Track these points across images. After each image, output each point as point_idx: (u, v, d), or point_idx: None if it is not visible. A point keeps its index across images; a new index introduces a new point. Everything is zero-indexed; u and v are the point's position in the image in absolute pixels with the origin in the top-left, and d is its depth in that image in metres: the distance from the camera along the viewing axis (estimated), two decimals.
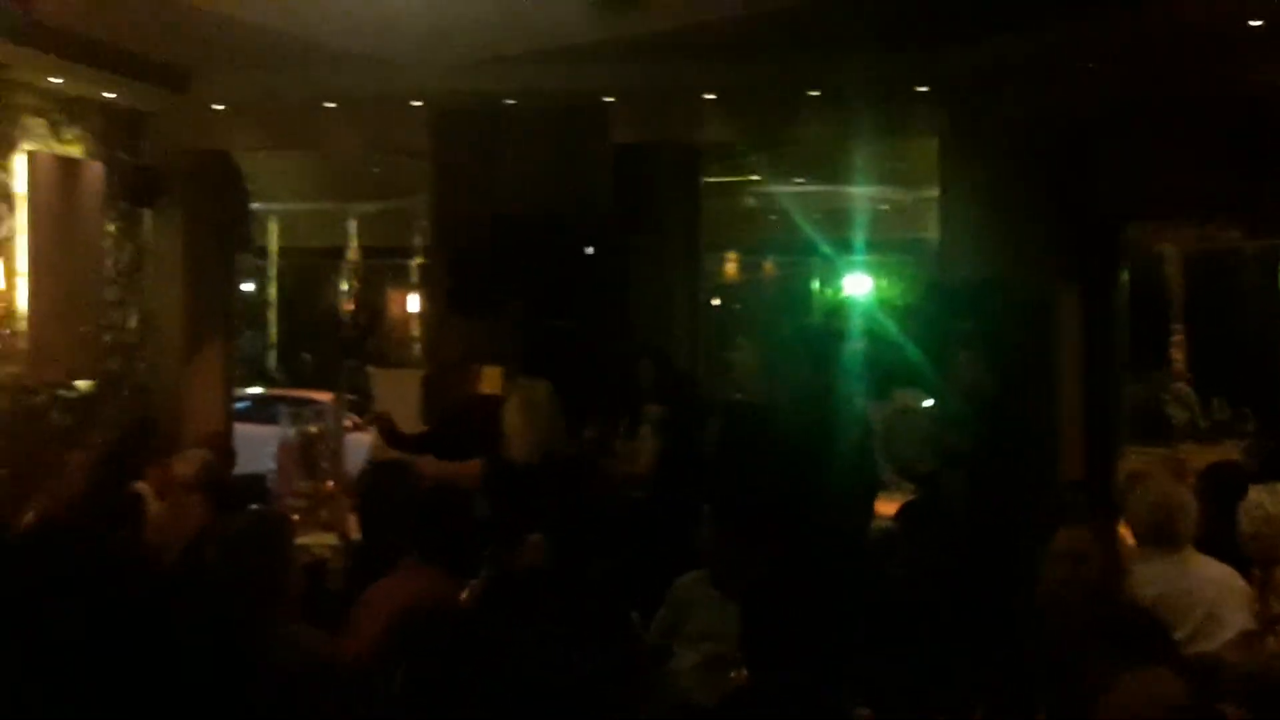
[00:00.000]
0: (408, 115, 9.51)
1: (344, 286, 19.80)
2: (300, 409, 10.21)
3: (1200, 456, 7.90)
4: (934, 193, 10.14)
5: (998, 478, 6.31)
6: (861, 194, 13.46)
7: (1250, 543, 5.02)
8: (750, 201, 14.70)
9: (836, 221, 14.18)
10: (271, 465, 8.43)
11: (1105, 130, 8.48)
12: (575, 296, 9.20)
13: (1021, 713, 3.97)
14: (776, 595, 3.78)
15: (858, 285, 16.42)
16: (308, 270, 20.90)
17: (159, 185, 9.87)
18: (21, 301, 8.61)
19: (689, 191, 10.66)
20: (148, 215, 9.95)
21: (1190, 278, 12.54)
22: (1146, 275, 11.43)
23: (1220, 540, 5.13)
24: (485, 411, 6.67)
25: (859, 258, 15.51)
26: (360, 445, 9.02)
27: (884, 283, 17.22)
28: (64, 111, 9.10)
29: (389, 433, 7.00)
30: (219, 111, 9.62)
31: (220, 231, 10.42)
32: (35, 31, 7.72)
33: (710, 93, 9.26)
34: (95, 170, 9.32)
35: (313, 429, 8.36)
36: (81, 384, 9.21)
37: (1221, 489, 5.64)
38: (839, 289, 17.40)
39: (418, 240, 15.59)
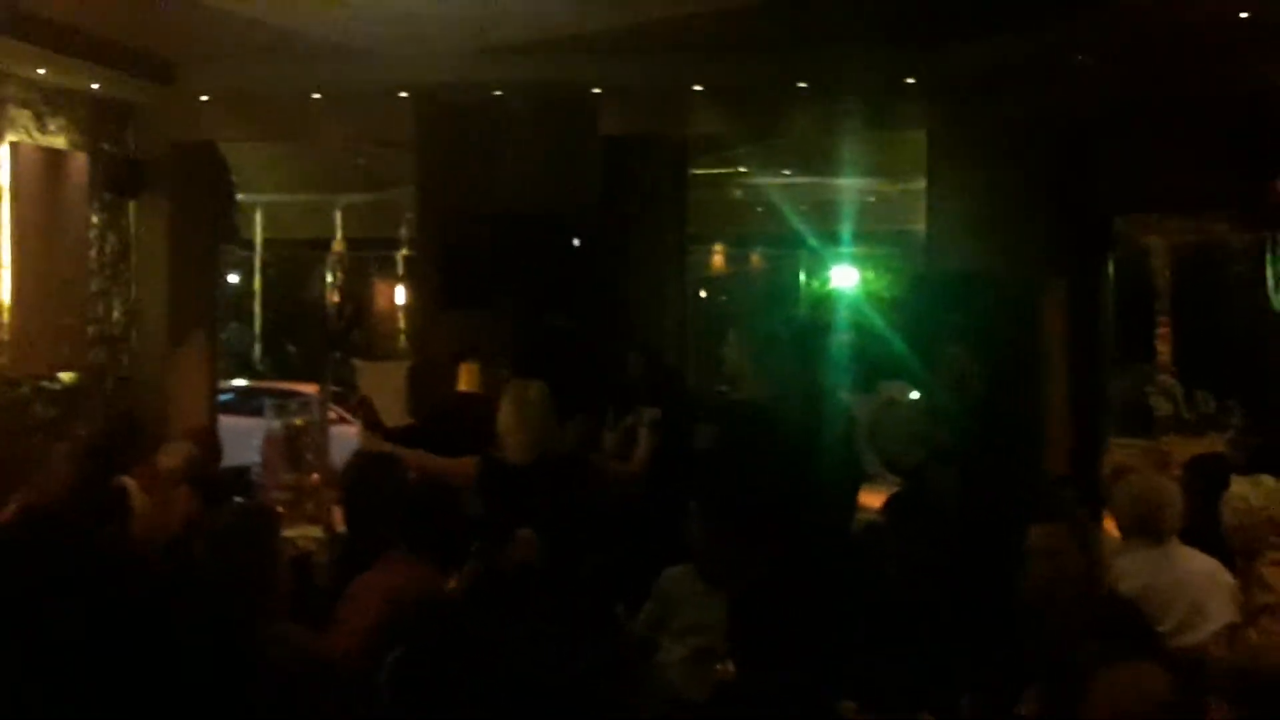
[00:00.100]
0: (394, 107, 9.49)
1: (329, 278, 19.75)
2: (285, 401, 10.15)
3: (1185, 449, 7.94)
4: (921, 185, 10.15)
5: (984, 471, 6.31)
6: (849, 186, 13.49)
7: (1233, 535, 5.03)
8: (738, 194, 14.71)
9: (824, 214, 14.21)
10: (256, 458, 8.40)
11: (1093, 125, 8.50)
12: (562, 289, 9.19)
13: (1007, 706, 3.97)
14: (762, 590, 3.78)
15: (845, 278, 16.45)
16: (293, 262, 20.85)
17: (143, 176, 9.84)
18: (4, 293, 8.57)
19: (677, 184, 10.66)
20: (132, 206, 9.91)
21: (1176, 271, 12.58)
22: (1133, 268, 11.46)
23: (1204, 533, 5.15)
24: (473, 409, 6.66)
25: (846, 250, 15.55)
26: (345, 438, 9.00)
27: (871, 275, 17.25)
28: (48, 103, 9.06)
29: (371, 419, 6.95)
30: (204, 103, 9.58)
31: (205, 223, 10.40)
32: (20, 22, 7.68)
33: (698, 85, 9.25)
34: (79, 161, 9.28)
35: (298, 421, 8.32)
36: (65, 376, 9.17)
37: (1206, 481, 5.66)
38: (826, 281, 17.44)
39: (404, 232, 15.58)
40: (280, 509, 6.39)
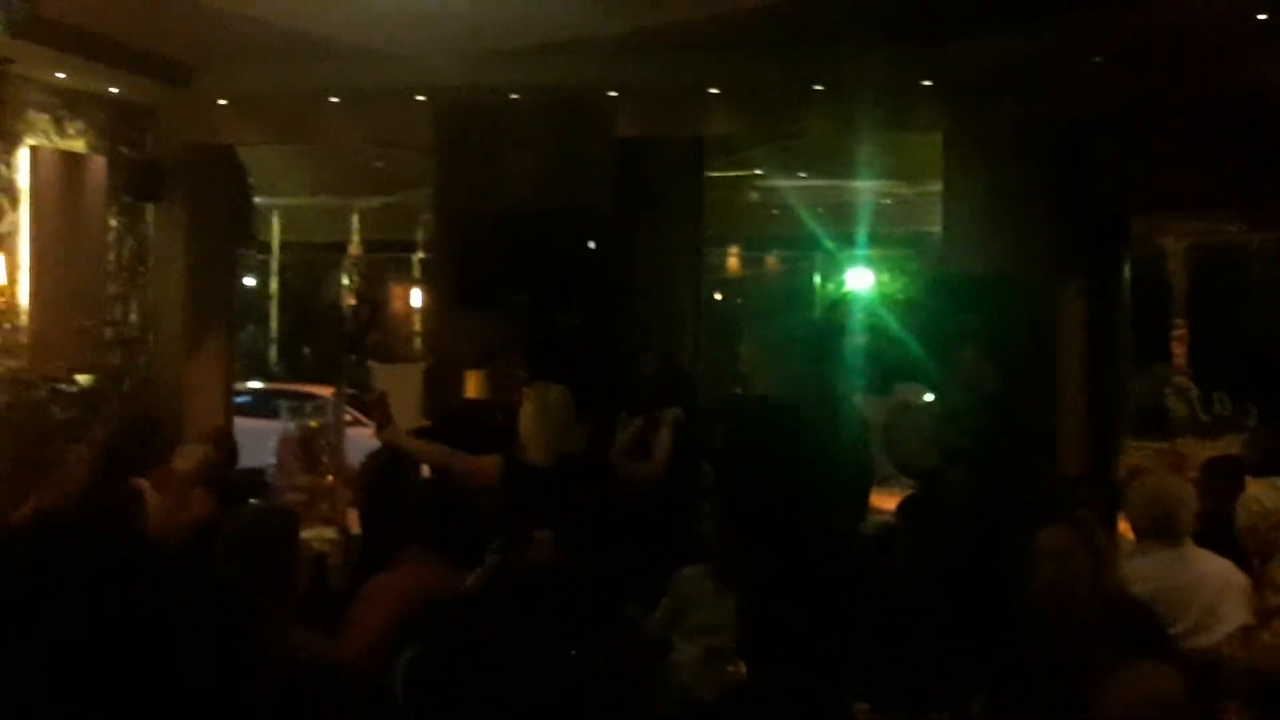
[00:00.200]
0: (411, 109, 9.50)
1: (346, 281, 19.78)
2: (301, 403, 10.20)
3: (1200, 451, 7.92)
4: (937, 187, 10.13)
5: (999, 473, 6.30)
6: (865, 189, 13.46)
7: (1247, 537, 5.03)
8: (753, 196, 14.70)
9: (839, 216, 14.18)
10: (272, 460, 8.43)
11: (1109, 125, 8.47)
12: (578, 291, 9.20)
13: (1020, 709, 3.97)
14: (773, 591, 3.79)
15: (860, 280, 16.41)
16: (309, 265, 20.89)
17: (161, 180, 9.87)
18: (23, 296, 8.62)
19: (692, 186, 10.66)
20: (150, 210, 9.95)
21: (1192, 272, 12.54)
22: (1148, 269, 11.43)
23: (1218, 535, 5.14)
24: (483, 414, 6.67)
25: (861, 252, 15.52)
26: (361, 440, 9.02)
27: (886, 278, 17.21)
28: (67, 106, 9.11)
29: (385, 417, 6.94)
30: (222, 106, 9.62)
31: (222, 226, 10.42)
32: (39, 26, 7.72)
33: (714, 87, 9.26)
34: (98, 165, 9.33)
35: (313, 423, 8.35)
36: (82, 378, 9.21)
37: (1222, 483, 5.65)
38: (841, 284, 17.40)
39: (420, 235, 15.59)
40: (295, 510, 6.41)
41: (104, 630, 2.72)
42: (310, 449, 8.02)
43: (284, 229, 17.06)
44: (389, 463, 6.29)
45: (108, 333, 9.52)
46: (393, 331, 21.28)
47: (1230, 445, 8.36)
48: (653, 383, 7.46)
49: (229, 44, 8.69)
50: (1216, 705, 3.48)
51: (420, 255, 17.54)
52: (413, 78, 9.05)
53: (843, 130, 9.95)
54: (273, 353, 20.84)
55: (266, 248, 17.94)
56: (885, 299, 14.92)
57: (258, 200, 12.68)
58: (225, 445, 7.47)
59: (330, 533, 6.89)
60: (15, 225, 8.61)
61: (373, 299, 21.30)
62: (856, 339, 7.95)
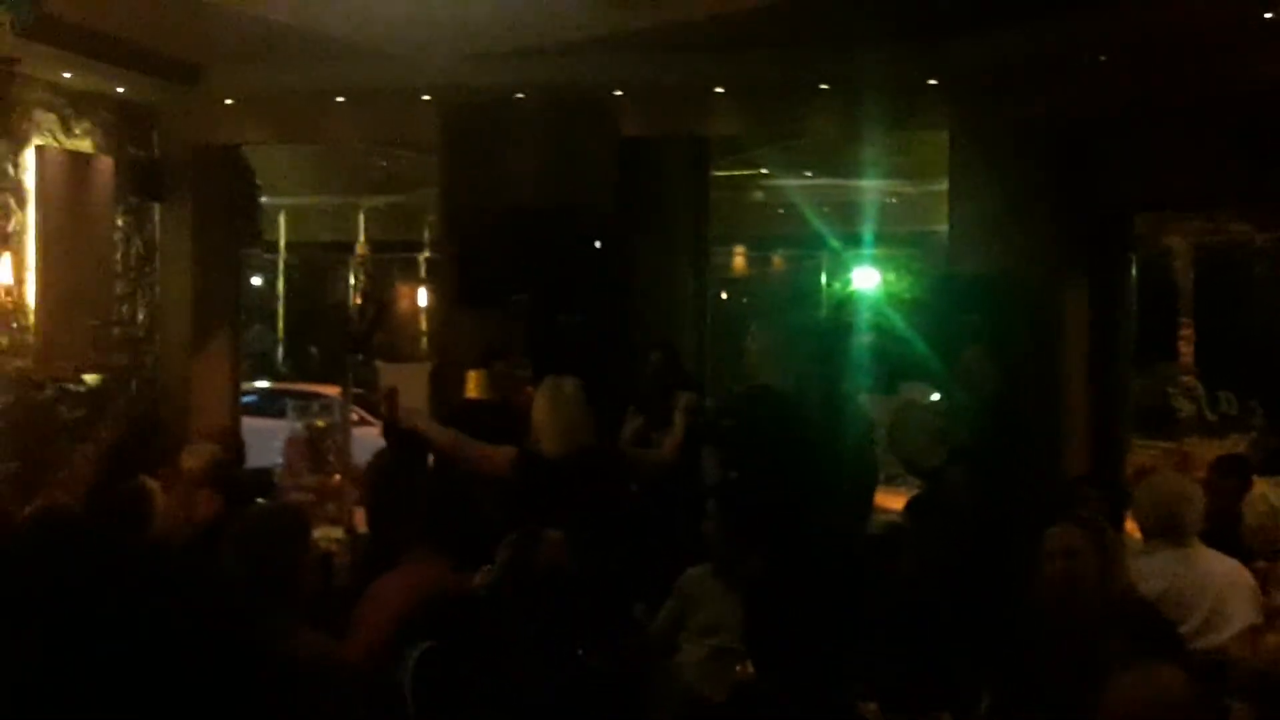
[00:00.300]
0: (417, 109, 9.50)
1: (352, 281, 19.80)
2: (307, 403, 10.21)
3: (1207, 450, 7.91)
4: (942, 186, 10.13)
5: (1005, 472, 6.31)
6: (870, 188, 13.46)
7: (1254, 536, 5.02)
8: (759, 195, 14.70)
9: (845, 215, 14.18)
10: (278, 459, 8.44)
11: (1114, 124, 8.46)
12: (584, 290, 9.20)
13: (1027, 708, 3.97)
14: (778, 590, 3.79)
15: (866, 279, 16.40)
16: (316, 264, 20.91)
17: (168, 179, 9.88)
18: (30, 295, 8.63)
19: (697, 185, 10.66)
20: (156, 209, 9.96)
21: (1198, 271, 12.52)
22: (1154, 268, 11.41)
23: (1225, 534, 5.14)
24: (487, 413, 6.66)
25: (867, 252, 15.51)
26: (367, 439, 9.03)
27: (892, 277, 17.19)
28: (73, 106, 9.12)
29: (394, 413, 6.94)
30: (228, 105, 9.63)
31: (228, 225, 10.43)
32: (45, 26, 7.73)
33: (719, 86, 9.26)
34: (104, 164, 9.34)
35: (320, 423, 8.36)
36: (89, 377, 9.22)
37: (1229, 483, 5.64)
38: (847, 283, 17.38)
39: (426, 234, 15.59)
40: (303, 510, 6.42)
41: (111, 629, 2.73)
42: (317, 448, 8.04)
43: (290, 228, 17.08)
44: (395, 462, 6.30)
45: (114, 332, 9.53)
46: (399, 331, 21.29)
47: (1237, 444, 8.36)
48: (657, 378, 7.47)
49: (235, 44, 8.70)
50: (1223, 705, 3.48)
51: (426, 255, 17.54)
52: (418, 78, 9.06)
53: (848, 129, 9.96)
54: (279, 352, 20.85)
55: (273, 247, 17.94)
56: (891, 298, 14.91)
57: (264, 200, 12.67)
58: (232, 444, 7.49)
59: (337, 532, 6.90)
60: (22, 225, 8.62)
61: (379, 298, 21.31)
62: (862, 338, 7.95)
